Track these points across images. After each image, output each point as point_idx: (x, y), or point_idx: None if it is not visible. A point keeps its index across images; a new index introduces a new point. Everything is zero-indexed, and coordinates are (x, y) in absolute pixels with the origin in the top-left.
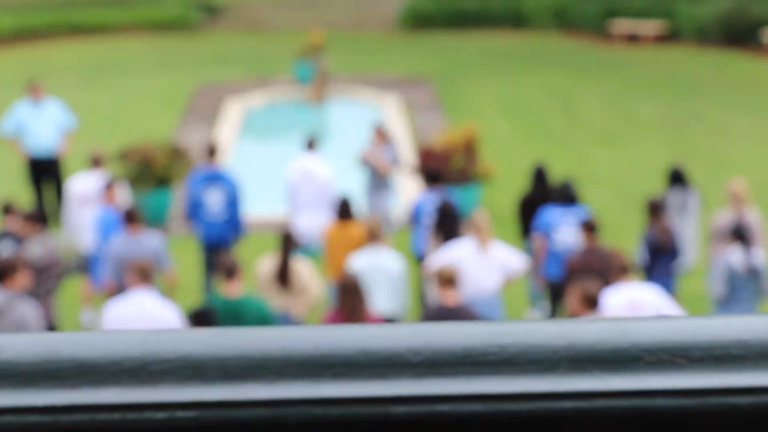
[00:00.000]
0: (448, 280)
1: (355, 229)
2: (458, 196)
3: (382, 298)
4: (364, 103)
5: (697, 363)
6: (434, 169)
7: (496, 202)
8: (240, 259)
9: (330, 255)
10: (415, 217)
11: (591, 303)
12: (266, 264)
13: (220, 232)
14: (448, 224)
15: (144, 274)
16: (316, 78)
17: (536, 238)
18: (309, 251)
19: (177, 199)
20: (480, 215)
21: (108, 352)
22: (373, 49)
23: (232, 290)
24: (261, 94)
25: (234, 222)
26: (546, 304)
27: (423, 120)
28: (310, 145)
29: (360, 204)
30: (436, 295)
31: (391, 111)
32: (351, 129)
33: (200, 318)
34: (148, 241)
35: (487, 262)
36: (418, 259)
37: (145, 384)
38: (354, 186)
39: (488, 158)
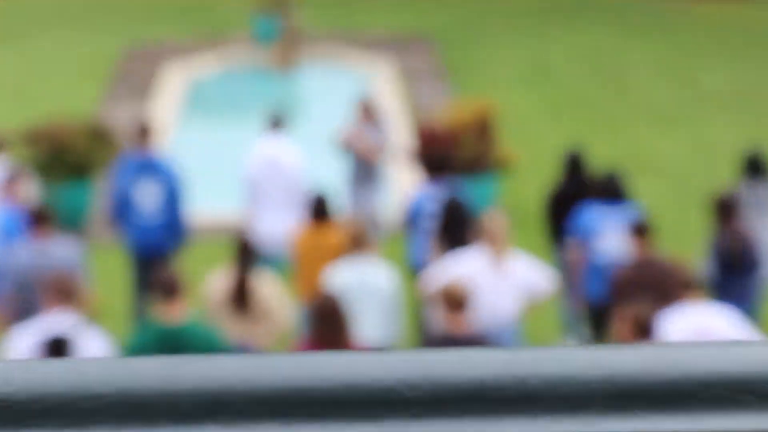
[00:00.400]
0: (455, 301)
1: (334, 235)
2: (468, 190)
3: (369, 323)
4: (347, 71)
5: (764, 401)
6: (437, 156)
7: (518, 198)
8: (183, 274)
9: (302, 269)
10: (413, 218)
11: (644, 331)
12: (218, 281)
13: (156, 239)
14: (454, 228)
15: (64, 292)
16: (283, 37)
17: (572, 247)
18: (274, 263)
19: (99, 195)
20: (496, 217)
21: (27, 385)
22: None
23: (172, 315)
24: (210, 59)
25: (174, 225)
26: (584, 334)
27: (423, 92)
28: (276, 125)
29: (340, 202)
30: (439, 320)
31: (381, 80)
32: (329, 104)
33: (52, 348)
34: (60, 250)
35: (504, 280)
36: (416, 273)
37: (73, 425)
38: (333, 178)
39: (508, 141)
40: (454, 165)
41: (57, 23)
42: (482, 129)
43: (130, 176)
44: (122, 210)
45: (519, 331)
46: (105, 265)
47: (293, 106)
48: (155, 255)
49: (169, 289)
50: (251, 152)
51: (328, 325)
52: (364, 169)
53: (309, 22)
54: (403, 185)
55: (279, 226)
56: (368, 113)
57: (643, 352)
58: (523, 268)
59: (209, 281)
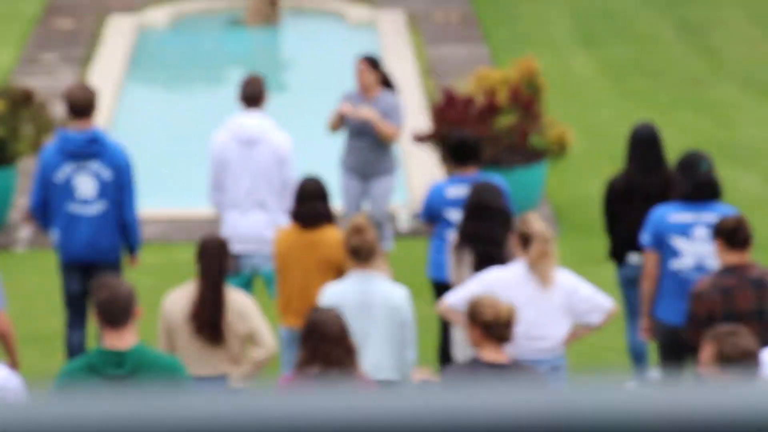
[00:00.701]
0: (489, 321)
1: (329, 239)
2: (506, 182)
3: (375, 351)
4: (341, 23)
5: None
6: (465, 137)
7: (571, 193)
8: (132, 289)
9: (286, 283)
10: (431, 218)
11: (738, 364)
12: (178, 300)
13: (97, 242)
14: (486, 232)
15: None
16: None
17: (645, 256)
18: (250, 276)
19: (21, 185)
20: (538, 218)
21: None
22: None
23: (118, 340)
24: (164, 8)
25: (120, 224)
26: (657, 369)
27: (445, 51)
28: (251, 96)
29: (337, 197)
30: (466, 346)
31: (389, 35)
32: (319, 68)
33: None
34: None
35: (548, 299)
36: (437, 287)
37: None
38: (326, 165)
39: (558, 117)
40: (487, 148)
41: None
42: (525, 101)
43: (62, 160)
44: (52, 204)
45: (565, 364)
46: (27, 276)
47: (274, 71)
48: (96, 263)
49: (114, 310)
50: (219, 131)
51: (323, 349)
52: (367, 154)
53: None
54: (420, 175)
55: (257, 227)
56: (370, 80)
57: (737, 390)
58: (572, 286)
59: (167, 299)
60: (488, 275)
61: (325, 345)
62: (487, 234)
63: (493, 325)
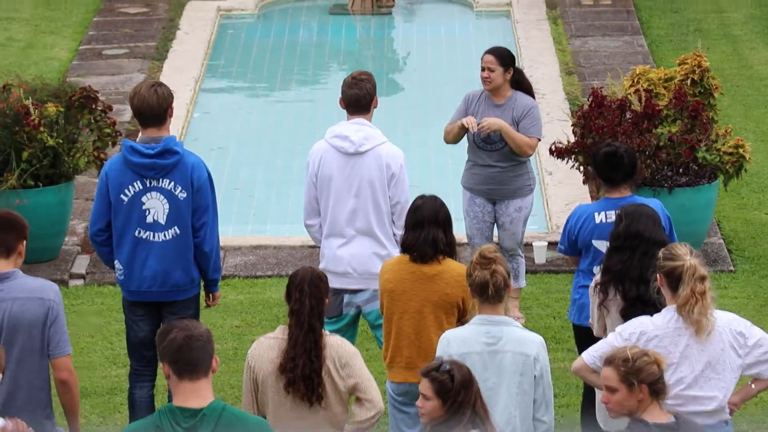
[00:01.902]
0: (641, 376)
1: (449, 274)
2: (663, 207)
3: (506, 409)
4: (470, 12)
5: None
6: (616, 150)
7: (747, 219)
8: (210, 332)
9: (397, 328)
10: (575, 249)
11: None
12: (266, 348)
13: (167, 274)
14: (636, 268)
15: None
16: None
17: None
18: (352, 319)
19: (78, 207)
20: (687, 253)
21: None
22: None
23: (193, 396)
24: None
25: (198, 252)
26: None
27: (593, 45)
28: (357, 100)
29: (458, 222)
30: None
31: (525, 25)
32: (440, 65)
33: None
34: (20, 293)
35: (706, 353)
36: (581, 334)
37: None
38: (445, 184)
39: (735, 126)
40: (645, 163)
41: None
42: (691, 106)
43: (129, 177)
44: (116, 230)
45: (734, 430)
46: (84, 317)
47: (383, 68)
48: (167, 301)
49: (188, 359)
50: (317, 142)
51: (451, 406)
52: (496, 172)
53: None
54: (560, 198)
55: (361, 258)
56: (500, 80)
57: None
58: (739, 329)
59: (253, 347)
60: (632, 328)
61: (448, 401)
62: (639, 271)
63: (640, 377)
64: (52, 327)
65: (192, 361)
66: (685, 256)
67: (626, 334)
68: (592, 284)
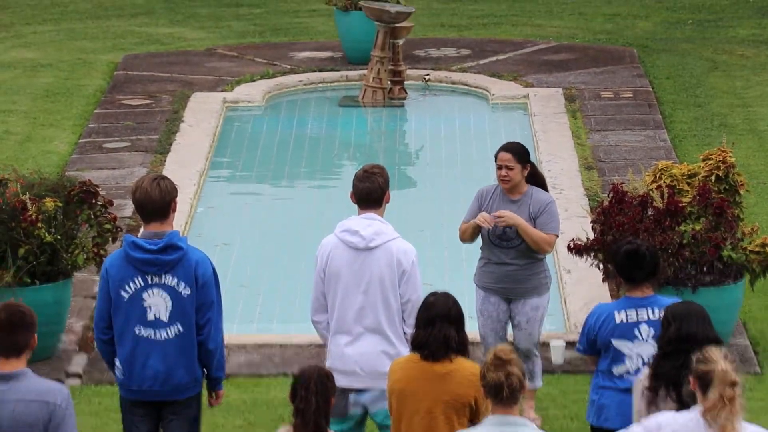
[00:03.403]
0: None
1: (462, 374)
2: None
3: None
4: (486, 103)
5: None
6: (638, 248)
7: None
8: None
9: (407, 429)
10: (594, 349)
11: None
12: None
13: (169, 373)
14: (668, 369)
15: None
16: (380, 51)
17: None
18: (359, 419)
19: (76, 304)
20: (721, 357)
21: None
22: None
23: None
24: (257, 83)
25: (202, 350)
26: None
27: (613, 139)
28: (368, 194)
29: (470, 320)
30: None
31: (542, 118)
32: (455, 158)
33: None
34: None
35: None
36: None
37: None
38: (458, 281)
39: (762, 223)
40: (668, 261)
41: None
42: (716, 203)
43: (130, 273)
44: (117, 327)
45: None
46: (82, 417)
47: (395, 161)
48: (169, 401)
49: None
50: (327, 237)
51: None
52: (512, 270)
53: (422, 25)
54: (579, 297)
55: (369, 356)
56: (517, 176)
57: None
58: None
59: None
60: (654, 418)
61: None
62: (674, 368)
63: None
64: (58, 431)
65: None
66: (719, 360)
67: (650, 425)
68: (639, 383)
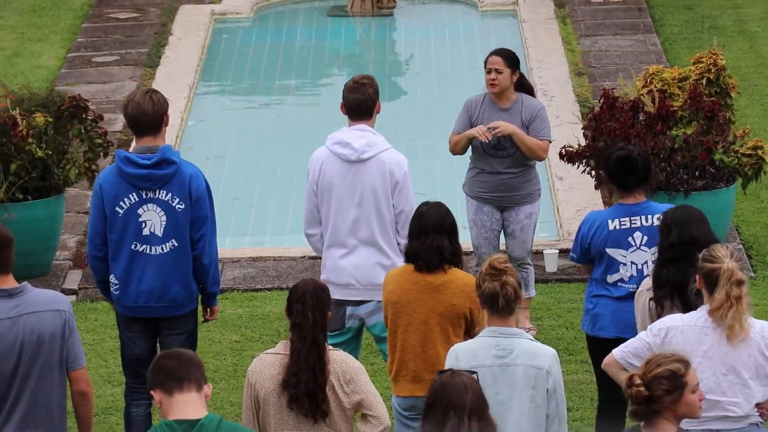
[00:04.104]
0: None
1: (456, 284)
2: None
3: (518, 424)
4: (475, 11)
5: None
6: (629, 154)
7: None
8: (204, 349)
9: (402, 340)
10: (588, 257)
11: None
12: (267, 363)
13: (164, 288)
14: (672, 274)
15: None
16: None
17: None
18: (355, 332)
19: (69, 220)
20: (727, 255)
21: None
22: None
23: (187, 408)
24: None
25: (195, 267)
26: None
27: (604, 44)
28: (359, 105)
29: (464, 229)
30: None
31: (532, 24)
32: (444, 68)
33: None
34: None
35: (736, 358)
36: (595, 345)
37: None
38: (450, 190)
39: (754, 126)
40: (660, 167)
41: None
42: (707, 107)
43: (123, 189)
44: (111, 244)
45: None
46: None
47: (384, 71)
48: (165, 316)
49: (178, 373)
50: (318, 149)
51: (455, 421)
52: (505, 178)
53: None
54: (571, 204)
55: (364, 269)
56: (506, 82)
57: None
58: None
59: (253, 362)
60: (661, 323)
61: (456, 419)
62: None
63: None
64: (70, 339)
65: (182, 377)
66: (725, 258)
67: (656, 329)
68: (641, 294)
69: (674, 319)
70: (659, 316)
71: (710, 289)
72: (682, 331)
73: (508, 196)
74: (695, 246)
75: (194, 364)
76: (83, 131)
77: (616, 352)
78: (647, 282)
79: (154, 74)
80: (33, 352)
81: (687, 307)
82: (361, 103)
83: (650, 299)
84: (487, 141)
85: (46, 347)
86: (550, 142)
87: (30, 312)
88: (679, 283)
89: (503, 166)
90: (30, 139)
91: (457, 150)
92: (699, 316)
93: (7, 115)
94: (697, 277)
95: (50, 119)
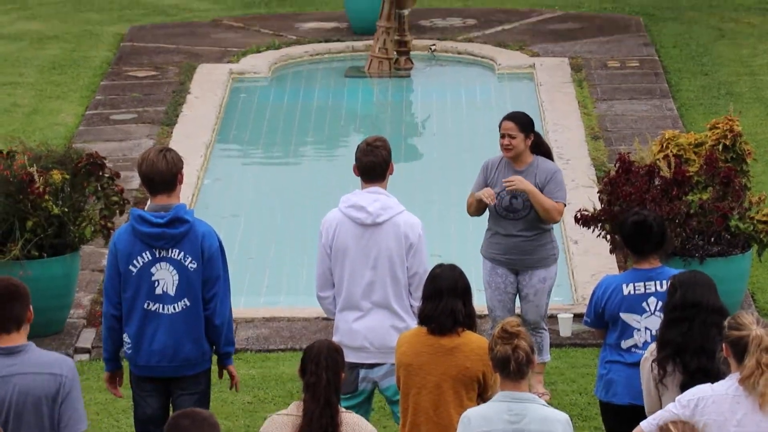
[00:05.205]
0: None
1: (469, 348)
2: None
3: None
4: (492, 73)
5: None
6: (645, 219)
7: None
8: (220, 410)
9: (414, 403)
10: (602, 322)
11: None
12: (280, 424)
13: (177, 348)
14: (697, 339)
15: None
16: (386, 21)
17: None
18: (368, 394)
19: (84, 278)
20: (754, 321)
21: None
22: None
23: None
24: (263, 54)
25: (208, 328)
26: None
27: (620, 108)
28: (372, 167)
29: (478, 292)
30: None
31: (548, 88)
32: (460, 129)
33: None
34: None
35: (766, 424)
36: (608, 411)
37: None
38: (465, 253)
39: None
40: (675, 232)
41: None
42: (723, 172)
43: (137, 247)
44: (125, 301)
45: None
46: (90, 393)
47: (400, 132)
48: (176, 374)
49: None
50: (331, 211)
51: None
52: (520, 241)
53: None
54: (586, 268)
55: (378, 331)
56: (521, 146)
57: None
58: None
59: (266, 424)
60: (691, 395)
61: None
62: (700, 342)
63: None
64: (64, 403)
65: None
66: (752, 325)
67: (684, 401)
68: (646, 361)
69: (703, 390)
70: (661, 380)
71: (738, 357)
72: (714, 401)
73: (521, 259)
74: (698, 309)
75: (209, 424)
76: (99, 189)
77: (644, 425)
78: (652, 348)
79: (171, 132)
80: (20, 413)
81: (687, 370)
82: (374, 166)
83: (653, 361)
84: (493, 203)
85: (35, 410)
86: (566, 205)
87: (24, 372)
88: (681, 345)
89: (516, 228)
90: (47, 196)
91: (471, 211)
92: (729, 384)
93: (24, 172)
94: (723, 345)
95: (67, 176)
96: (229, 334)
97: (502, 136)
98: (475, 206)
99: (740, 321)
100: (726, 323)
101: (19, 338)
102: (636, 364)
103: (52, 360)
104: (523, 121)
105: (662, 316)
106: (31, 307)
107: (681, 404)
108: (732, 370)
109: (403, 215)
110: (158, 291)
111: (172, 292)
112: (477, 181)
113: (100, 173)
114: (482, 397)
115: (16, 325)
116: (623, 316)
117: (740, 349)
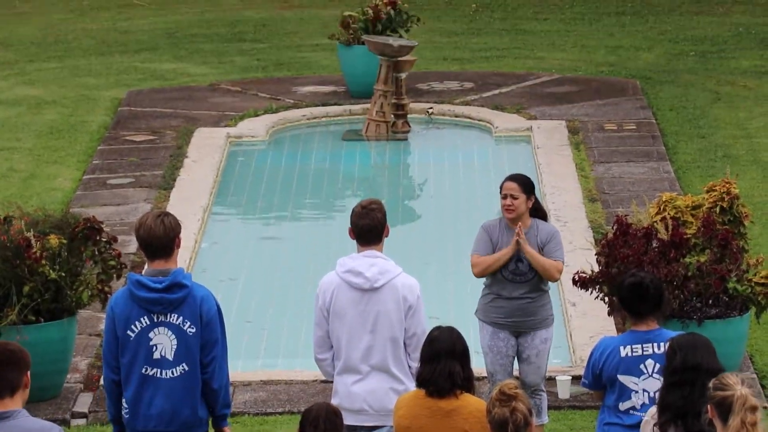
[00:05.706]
0: None
1: (468, 410)
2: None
3: None
4: (489, 136)
5: None
6: (642, 281)
7: None
8: None
9: None
10: (600, 384)
11: None
12: None
13: (175, 413)
14: (698, 403)
15: None
16: (383, 85)
17: None
18: None
19: (81, 342)
20: (739, 383)
21: None
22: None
23: None
24: (260, 118)
25: (208, 389)
26: None
27: (617, 171)
28: (368, 230)
29: (476, 355)
30: None
31: (546, 150)
32: (458, 191)
33: None
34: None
35: None
36: None
37: None
38: (464, 317)
39: None
40: (673, 294)
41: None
42: (721, 235)
43: (134, 312)
44: (123, 366)
45: None
46: None
47: (397, 195)
48: None
49: None
50: (328, 274)
51: None
52: (521, 303)
53: (423, 53)
54: (583, 330)
55: (377, 394)
56: (522, 208)
57: None
58: None
59: None
60: None
61: None
62: (701, 406)
63: None
64: None
65: None
66: (736, 385)
67: None
68: (647, 424)
69: None
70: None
71: (723, 417)
72: None
73: (524, 321)
74: (698, 372)
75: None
76: (97, 253)
77: None
78: (652, 411)
79: (169, 196)
80: None
81: None
82: (371, 229)
83: (654, 425)
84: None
85: None
86: (564, 264)
87: None
88: (682, 408)
89: (520, 291)
90: (44, 261)
91: (489, 270)
92: None
93: (21, 237)
94: (708, 406)
95: (64, 241)
96: (226, 396)
97: (504, 197)
98: (503, 261)
99: (725, 381)
100: (711, 384)
101: (12, 404)
102: (634, 426)
103: (38, 427)
104: (525, 183)
105: (661, 378)
106: (28, 373)
107: None
108: (718, 431)
109: (401, 277)
110: (156, 356)
111: (170, 356)
112: (482, 241)
113: (98, 237)
114: None
115: (10, 391)
116: (621, 378)
117: (725, 409)
